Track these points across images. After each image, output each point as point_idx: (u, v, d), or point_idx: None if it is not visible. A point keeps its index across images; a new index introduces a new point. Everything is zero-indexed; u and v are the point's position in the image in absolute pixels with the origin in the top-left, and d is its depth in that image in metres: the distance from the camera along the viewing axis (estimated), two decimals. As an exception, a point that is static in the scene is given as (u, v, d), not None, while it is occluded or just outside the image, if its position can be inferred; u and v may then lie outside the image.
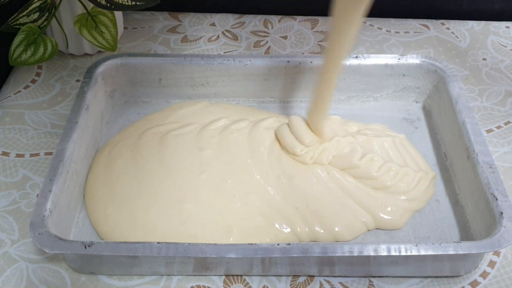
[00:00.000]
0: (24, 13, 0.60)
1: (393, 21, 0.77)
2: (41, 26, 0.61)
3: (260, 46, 0.73)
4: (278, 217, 0.52)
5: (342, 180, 0.54)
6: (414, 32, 0.75)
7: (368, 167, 0.54)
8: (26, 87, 0.66)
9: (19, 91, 0.66)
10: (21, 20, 0.60)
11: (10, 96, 0.65)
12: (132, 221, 0.52)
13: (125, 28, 0.75)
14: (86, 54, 0.70)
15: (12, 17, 0.60)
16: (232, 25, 0.77)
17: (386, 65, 0.62)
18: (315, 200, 0.53)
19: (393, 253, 0.45)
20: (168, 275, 0.49)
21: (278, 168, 0.55)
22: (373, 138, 0.57)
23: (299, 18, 0.78)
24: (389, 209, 0.53)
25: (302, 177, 0.54)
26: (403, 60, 0.62)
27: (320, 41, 0.74)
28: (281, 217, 0.52)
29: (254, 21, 0.77)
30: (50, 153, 0.59)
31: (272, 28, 0.76)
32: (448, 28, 0.76)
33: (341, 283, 0.49)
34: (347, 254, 0.45)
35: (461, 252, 0.45)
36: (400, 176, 0.54)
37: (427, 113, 0.64)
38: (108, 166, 0.56)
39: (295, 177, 0.54)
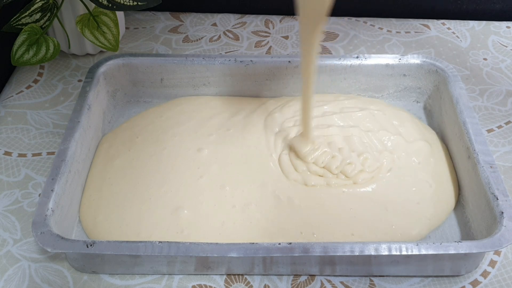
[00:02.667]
0: (26, 13, 0.60)
1: (394, 21, 0.77)
2: (43, 26, 0.61)
3: (261, 46, 0.73)
4: (283, 240, 0.50)
5: (355, 207, 0.52)
6: (415, 32, 0.76)
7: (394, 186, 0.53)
8: (28, 87, 0.66)
9: (21, 91, 0.66)
10: (23, 20, 0.60)
11: (12, 96, 0.65)
12: (123, 231, 0.51)
13: (126, 28, 0.75)
14: (88, 54, 0.71)
15: (14, 17, 0.60)
16: (233, 25, 0.77)
17: (387, 65, 0.62)
18: (323, 230, 0.50)
19: (394, 253, 0.45)
20: (169, 274, 0.49)
21: (272, 183, 0.53)
22: (414, 153, 0.56)
23: (300, 18, 0.78)
24: (406, 235, 0.51)
25: (304, 201, 0.52)
26: (404, 60, 0.62)
27: (321, 41, 0.74)
28: (286, 240, 0.50)
29: (255, 21, 0.77)
30: (52, 153, 0.59)
31: (273, 28, 0.77)
32: (449, 28, 0.76)
33: (342, 283, 0.49)
34: (348, 254, 0.45)
35: (462, 252, 0.45)
36: (429, 197, 0.53)
37: (428, 113, 0.64)
38: (105, 167, 0.56)
39: (294, 198, 0.52)
